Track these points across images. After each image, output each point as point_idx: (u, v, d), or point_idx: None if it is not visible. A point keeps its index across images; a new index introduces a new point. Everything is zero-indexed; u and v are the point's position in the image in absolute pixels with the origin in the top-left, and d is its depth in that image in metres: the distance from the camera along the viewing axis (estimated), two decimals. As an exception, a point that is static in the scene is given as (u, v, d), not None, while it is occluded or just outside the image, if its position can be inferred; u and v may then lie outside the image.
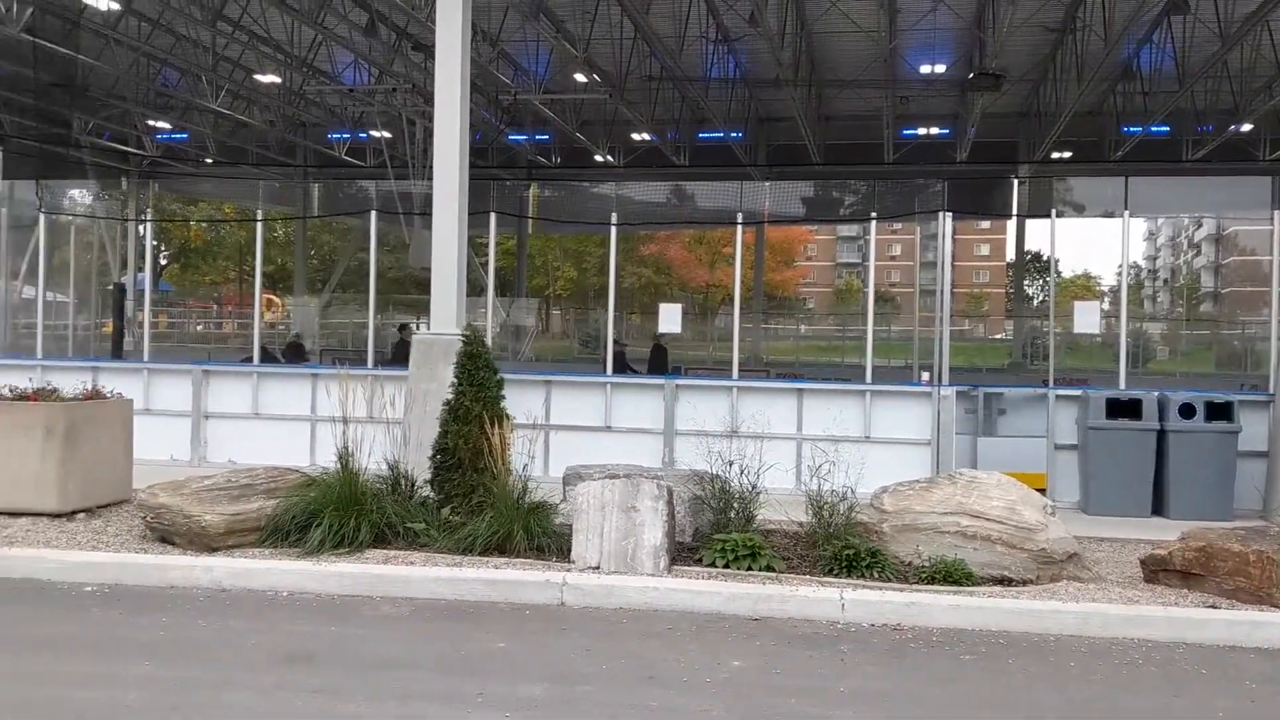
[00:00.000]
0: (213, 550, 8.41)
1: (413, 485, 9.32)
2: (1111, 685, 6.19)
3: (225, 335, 40.00)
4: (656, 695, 5.82)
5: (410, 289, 30.15)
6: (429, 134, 23.57)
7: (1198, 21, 18.59)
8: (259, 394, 13.74)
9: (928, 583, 7.85)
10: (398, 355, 19.95)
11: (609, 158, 29.28)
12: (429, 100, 23.03)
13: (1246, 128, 25.15)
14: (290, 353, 21.36)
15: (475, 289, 17.34)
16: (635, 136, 28.82)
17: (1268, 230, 12.86)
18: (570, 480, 9.22)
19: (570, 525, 8.33)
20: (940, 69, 23.96)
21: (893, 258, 61.01)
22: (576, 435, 12.51)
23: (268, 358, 18.54)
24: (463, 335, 9.65)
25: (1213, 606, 7.40)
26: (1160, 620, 7.22)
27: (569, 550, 8.18)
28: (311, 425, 13.32)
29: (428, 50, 21.15)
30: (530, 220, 28.16)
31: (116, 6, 20.34)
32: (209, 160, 31.33)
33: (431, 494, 9.17)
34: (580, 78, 23.30)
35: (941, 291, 12.62)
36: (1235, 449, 11.07)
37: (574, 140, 28.12)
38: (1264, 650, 6.85)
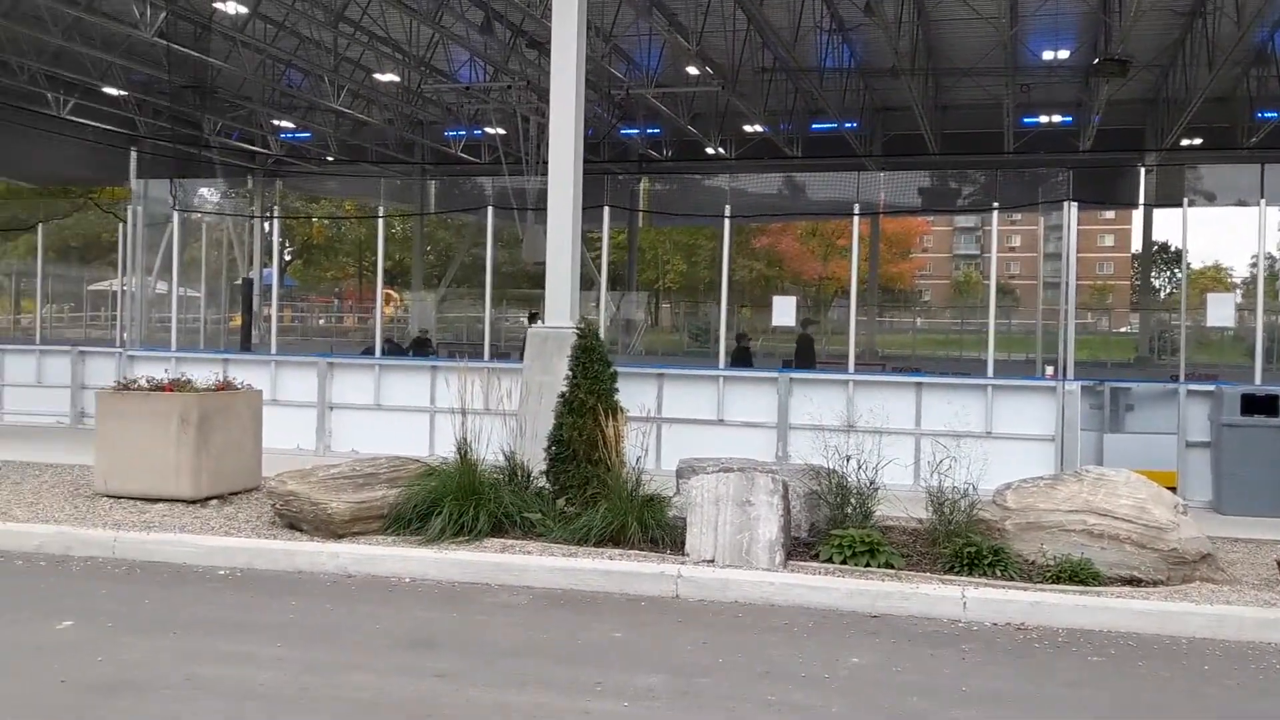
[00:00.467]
0: (338, 537, 8.65)
1: (528, 476, 9.45)
2: (1248, 690, 5.95)
3: (346, 329, 41.10)
4: (775, 690, 5.78)
5: (523, 283, 30.55)
6: (543, 130, 23.86)
7: (1340, 0, 17.73)
8: (381, 386, 14.08)
9: (1053, 582, 7.65)
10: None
11: (720, 150, 29.21)
12: (543, 97, 23.28)
13: (1394, 110, 23.89)
14: (416, 347, 21.83)
15: (587, 283, 17.47)
16: (747, 129, 28.70)
17: None
18: (684, 473, 9.23)
19: (684, 518, 8.34)
20: (1063, 55, 23.32)
21: (1012, 249, 59.39)
22: (689, 428, 12.51)
23: (395, 350, 18.98)
24: (577, 329, 9.73)
25: (1360, 612, 7.05)
26: (1300, 625, 6.91)
27: (683, 543, 8.19)
28: (431, 417, 13.60)
29: (542, 47, 21.39)
30: (641, 214, 28.25)
31: (244, 10, 21.04)
32: (330, 159, 32.20)
33: (547, 485, 9.28)
34: (692, 70, 23.30)
35: (1067, 283, 12.25)
36: (1383, 447, 10.53)
37: (685, 134, 28.13)
38: None
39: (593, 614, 7.24)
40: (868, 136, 29.57)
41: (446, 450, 9.71)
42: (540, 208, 13.39)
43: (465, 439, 9.12)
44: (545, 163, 12.22)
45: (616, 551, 8.25)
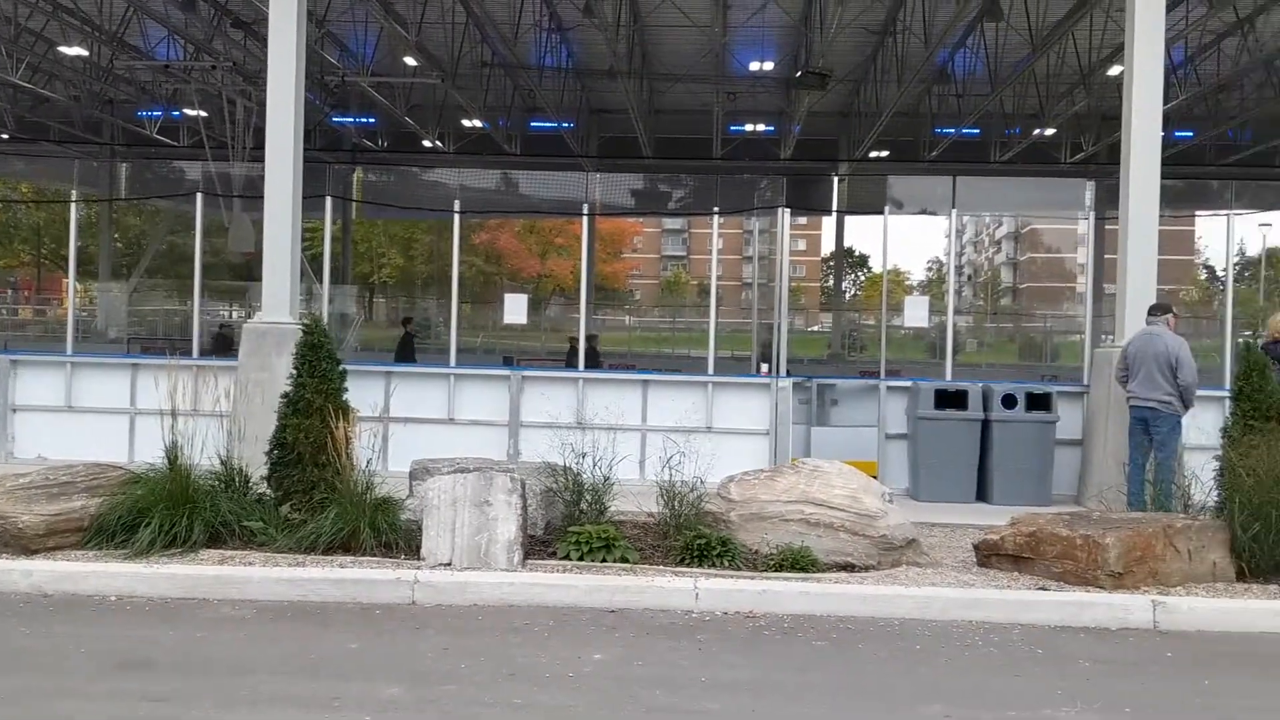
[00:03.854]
0: (31, 553, 7.85)
1: (248, 482, 8.91)
2: (956, 667, 6.44)
3: (23, 322, 37.44)
4: (520, 691, 5.72)
5: (224, 275, 28.90)
6: (250, 114, 22.67)
7: (1010, 28, 19.57)
8: (73, 385, 12.89)
9: (776, 570, 8.00)
10: (218, 346, 19.14)
11: (439, 144, 28.78)
12: (250, 79, 22.15)
13: (1050, 132, 26.68)
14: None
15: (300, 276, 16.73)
16: (466, 123, 28.43)
17: (1069, 229, 13.63)
18: (417, 475, 8.99)
19: (419, 521, 8.12)
20: (768, 66, 24.49)
21: (718, 251, 62.10)
22: (419, 428, 12.23)
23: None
24: (302, 324, 9.28)
25: (1043, 589, 7.78)
26: (996, 603, 7.55)
27: (419, 547, 7.98)
28: (131, 419, 12.61)
29: (249, 28, 20.31)
30: (355, 205, 27.37)
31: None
32: (5, 136, 29.30)
33: (269, 491, 8.79)
34: (410, 61, 22.81)
35: (780, 285, 12.88)
36: (1054, 438, 11.70)
37: (402, 125, 27.52)
38: (1091, 629, 7.25)
39: (325, 625, 6.92)
40: (585, 136, 29.99)
41: (149, 456, 9.02)
42: (249, 195, 12.71)
43: (176, 442, 8.48)
44: (253, 148, 11.64)
45: (348, 559, 7.93)
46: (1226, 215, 13.33)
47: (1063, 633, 7.18)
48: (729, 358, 21.03)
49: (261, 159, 11.59)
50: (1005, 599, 7.58)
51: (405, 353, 20.57)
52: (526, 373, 12.85)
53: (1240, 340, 11.32)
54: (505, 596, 7.43)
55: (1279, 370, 9.42)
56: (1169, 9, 12.84)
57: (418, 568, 7.73)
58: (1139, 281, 11.17)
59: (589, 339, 20.02)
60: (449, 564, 7.80)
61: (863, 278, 74.12)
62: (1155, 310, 10.44)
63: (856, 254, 68.76)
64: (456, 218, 13.16)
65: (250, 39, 21.28)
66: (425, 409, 12.48)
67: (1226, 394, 10.08)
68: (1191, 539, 7.96)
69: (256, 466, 8.90)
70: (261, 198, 11.46)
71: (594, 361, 18.96)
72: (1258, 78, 22.99)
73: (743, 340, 19.63)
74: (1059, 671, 6.32)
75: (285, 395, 8.87)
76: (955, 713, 5.59)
